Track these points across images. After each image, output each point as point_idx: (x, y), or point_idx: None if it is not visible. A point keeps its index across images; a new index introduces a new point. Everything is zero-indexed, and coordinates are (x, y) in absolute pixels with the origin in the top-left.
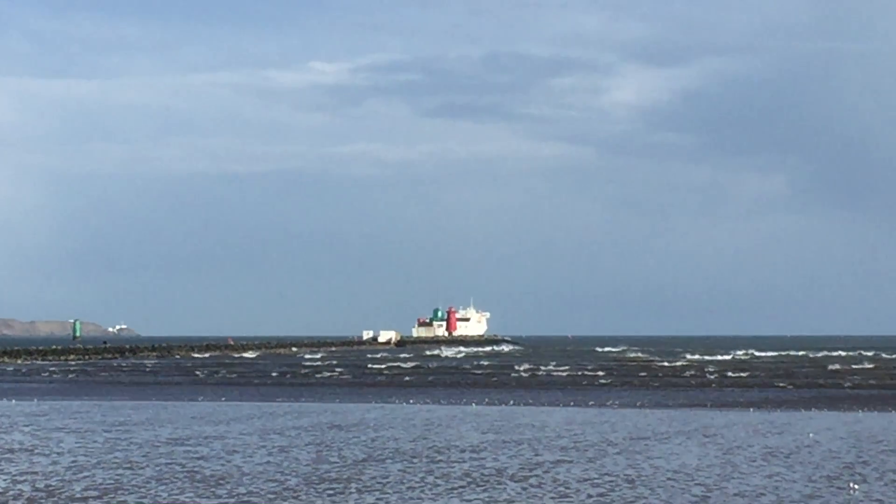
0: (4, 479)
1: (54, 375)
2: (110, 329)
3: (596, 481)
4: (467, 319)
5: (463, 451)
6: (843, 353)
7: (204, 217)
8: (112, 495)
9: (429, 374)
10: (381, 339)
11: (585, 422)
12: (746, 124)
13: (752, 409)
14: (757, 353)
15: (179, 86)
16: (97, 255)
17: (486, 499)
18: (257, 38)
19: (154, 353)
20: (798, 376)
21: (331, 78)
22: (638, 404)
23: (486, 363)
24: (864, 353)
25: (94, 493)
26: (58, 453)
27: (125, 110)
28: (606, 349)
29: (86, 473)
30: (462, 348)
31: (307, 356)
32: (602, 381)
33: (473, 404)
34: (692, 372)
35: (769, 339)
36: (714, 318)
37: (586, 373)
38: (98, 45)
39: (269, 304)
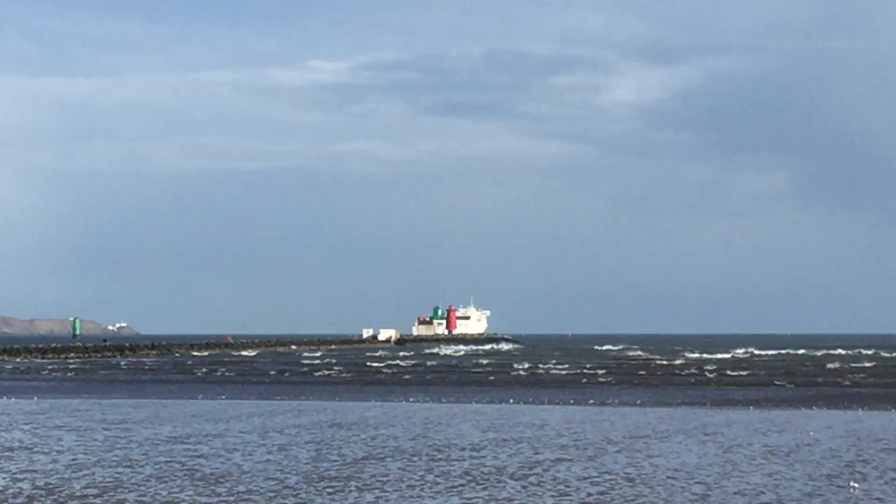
0: (4, 478)
1: (54, 373)
2: (110, 327)
3: (596, 480)
4: (467, 318)
5: (463, 449)
6: (842, 352)
7: (204, 215)
8: (112, 493)
9: (428, 372)
10: (380, 338)
11: (585, 420)
12: (746, 123)
13: (751, 408)
14: (756, 352)
15: (179, 84)
16: (97, 253)
17: (486, 497)
18: (257, 36)
19: (153, 352)
20: (798, 375)
21: (331, 76)
22: (638, 402)
23: (485, 361)
24: (864, 351)
25: (94, 491)
26: (57, 451)
27: (125, 108)
28: (606, 347)
29: (85, 471)
30: (462, 346)
31: (307, 354)
32: (602, 379)
33: (473, 402)
34: (692, 370)
35: (769, 338)
36: (714, 317)
37: (586, 371)
38: (98, 43)
39: (269, 302)
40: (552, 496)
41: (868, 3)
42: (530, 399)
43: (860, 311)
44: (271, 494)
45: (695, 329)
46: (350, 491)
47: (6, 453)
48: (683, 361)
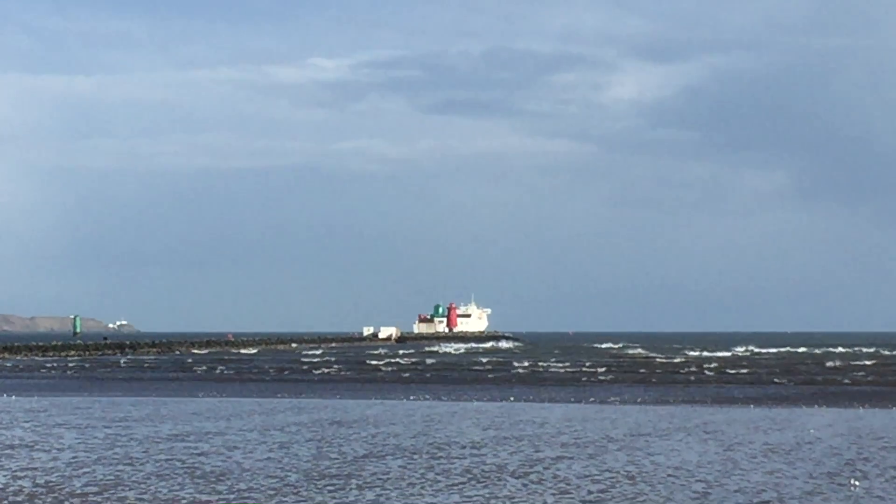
0: (5, 475)
1: (54, 371)
2: (110, 325)
3: (596, 477)
4: (468, 316)
5: (463, 447)
6: (842, 350)
7: (204, 213)
8: (112, 491)
9: (429, 370)
10: (381, 336)
11: (586, 418)
12: (747, 120)
13: (752, 406)
14: (757, 350)
15: (179, 81)
16: (97, 251)
17: (487, 495)
18: (257, 33)
19: (154, 349)
20: (798, 373)
21: (331, 74)
22: (638, 401)
23: (486, 359)
24: (864, 349)
25: (94, 489)
26: (58, 449)
27: (125, 106)
28: (607, 345)
29: (86, 469)
30: (462, 344)
31: (307, 352)
32: (602, 377)
33: (474, 401)
34: (692, 368)
35: (769, 336)
36: (714, 315)
37: (586, 369)
38: (98, 40)
39: (269, 300)
40: (553, 494)
41: (868, 1)
42: (531, 397)
43: (861, 308)
44: (272, 492)
45: (695, 327)
46: (350, 489)
47: (7, 451)
48: (684, 359)
